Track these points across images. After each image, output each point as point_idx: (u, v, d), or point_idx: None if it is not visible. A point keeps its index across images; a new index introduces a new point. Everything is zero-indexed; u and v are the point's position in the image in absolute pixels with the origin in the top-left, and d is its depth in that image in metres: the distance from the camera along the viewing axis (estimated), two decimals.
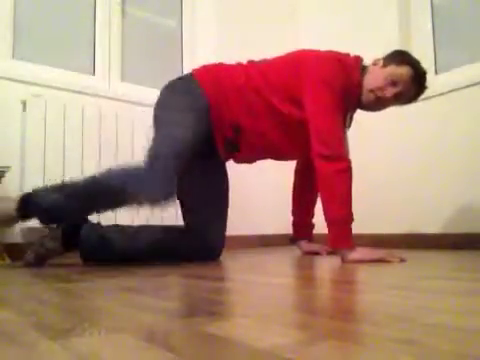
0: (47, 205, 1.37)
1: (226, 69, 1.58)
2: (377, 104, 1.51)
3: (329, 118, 1.42)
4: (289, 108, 1.50)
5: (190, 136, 1.47)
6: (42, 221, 1.42)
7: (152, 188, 1.37)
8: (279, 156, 1.73)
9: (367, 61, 1.56)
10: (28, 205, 1.38)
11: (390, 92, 1.46)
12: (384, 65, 1.48)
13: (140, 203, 1.40)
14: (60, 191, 1.39)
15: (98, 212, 1.44)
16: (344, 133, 1.51)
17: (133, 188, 1.37)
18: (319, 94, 1.43)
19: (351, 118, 1.68)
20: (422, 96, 1.55)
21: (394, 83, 1.46)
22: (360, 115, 1.65)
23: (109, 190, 1.38)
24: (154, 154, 1.43)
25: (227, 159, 1.68)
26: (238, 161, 1.75)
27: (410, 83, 1.46)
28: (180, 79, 1.62)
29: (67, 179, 1.51)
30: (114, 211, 1.56)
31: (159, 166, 1.40)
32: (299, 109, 1.48)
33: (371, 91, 1.48)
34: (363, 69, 1.52)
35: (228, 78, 1.55)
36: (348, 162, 1.40)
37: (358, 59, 1.53)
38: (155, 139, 1.50)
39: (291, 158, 1.83)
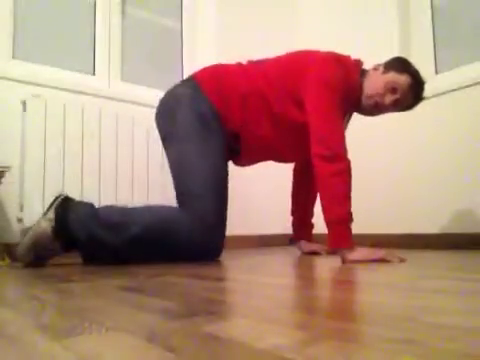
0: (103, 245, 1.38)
1: (227, 72, 1.58)
2: (375, 109, 1.51)
3: (329, 118, 1.41)
4: (290, 109, 1.50)
5: (217, 161, 1.51)
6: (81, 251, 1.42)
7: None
8: (279, 159, 1.74)
9: (366, 62, 1.56)
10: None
11: (389, 99, 1.46)
12: (385, 71, 1.48)
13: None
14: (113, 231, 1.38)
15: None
16: (344, 133, 1.52)
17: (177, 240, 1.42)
18: (320, 94, 1.42)
19: (348, 121, 1.68)
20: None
21: (394, 90, 1.46)
22: (360, 115, 1.65)
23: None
24: (189, 193, 1.47)
25: (227, 161, 1.67)
26: (238, 164, 1.75)
27: (409, 92, 1.46)
28: (182, 86, 1.59)
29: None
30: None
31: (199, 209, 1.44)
32: (300, 110, 1.48)
33: (370, 96, 1.48)
34: (362, 73, 1.52)
35: (230, 83, 1.54)
36: (347, 162, 1.40)
37: (358, 62, 1.53)
38: (181, 174, 1.51)
39: (291, 160, 1.83)
